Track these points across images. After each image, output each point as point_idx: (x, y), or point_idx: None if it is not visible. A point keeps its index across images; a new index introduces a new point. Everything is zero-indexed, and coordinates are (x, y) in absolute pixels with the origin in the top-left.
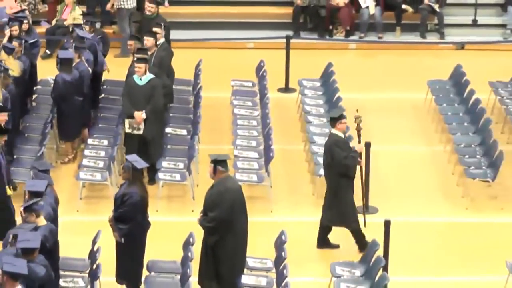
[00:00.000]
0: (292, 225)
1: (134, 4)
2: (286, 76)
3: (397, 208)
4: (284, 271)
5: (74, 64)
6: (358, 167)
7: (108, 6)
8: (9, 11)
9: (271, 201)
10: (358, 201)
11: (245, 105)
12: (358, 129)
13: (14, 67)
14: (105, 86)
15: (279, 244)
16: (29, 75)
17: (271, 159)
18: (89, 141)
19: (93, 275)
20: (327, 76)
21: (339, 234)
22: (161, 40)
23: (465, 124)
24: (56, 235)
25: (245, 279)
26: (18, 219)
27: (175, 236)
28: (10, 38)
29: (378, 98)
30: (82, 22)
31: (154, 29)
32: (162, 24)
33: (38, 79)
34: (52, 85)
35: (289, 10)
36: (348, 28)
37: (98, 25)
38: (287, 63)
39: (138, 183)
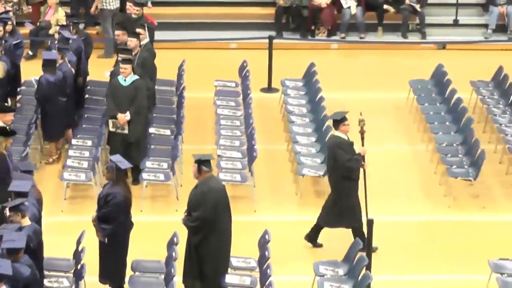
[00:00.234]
0: (275, 225)
1: (117, 5)
2: (269, 76)
3: (380, 207)
4: (268, 271)
5: (57, 65)
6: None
7: (92, 9)
8: None
9: (255, 201)
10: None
11: (228, 105)
12: (362, 132)
13: None
14: (89, 87)
15: (263, 243)
16: (13, 76)
17: (254, 158)
18: (73, 141)
19: (78, 275)
20: (309, 76)
21: (323, 233)
22: (145, 40)
23: (447, 123)
24: (40, 235)
25: (229, 278)
26: None
27: (159, 236)
28: None
29: (360, 98)
30: (65, 23)
31: (138, 30)
32: (145, 25)
33: (22, 80)
34: (35, 86)
35: (271, 10)
36: (330, 28)
37: (81, 26)
38: (269, 63)
39: (121, 184)
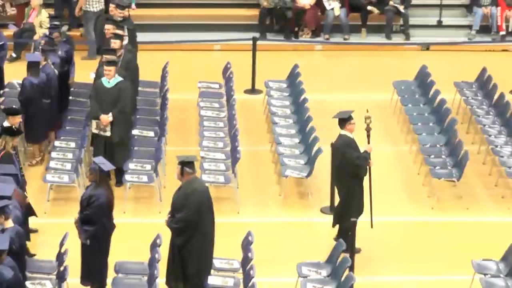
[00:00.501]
0: (259, 226)
1: (101, 7)
2: (253, 78)
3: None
4: (251, 272)
5: (41, 67)
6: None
7: (76, 11)
8: None
9: (238, 202)
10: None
11: (211, 107)
12: (368, 130)
13: None
14: (72, 89)
15: (246, 244)
16: None
17: (237, 160)
18: (56, 143)
19: (61, 277)
20: (293, 78)
21: (303, 234)
22: (125, 41)
23: (431, 124)
24: (23, 237)
25: (212, 279)
26: None
27: (142, 238)
28: None
29: (344, 99)
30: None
31: (116, 31)
32: (124, 27)
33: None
34: (19, 88)
35: (255, 12)
36: (314, 29)
37: (65, 28)
38: (253, 64)
39: (104, 185)
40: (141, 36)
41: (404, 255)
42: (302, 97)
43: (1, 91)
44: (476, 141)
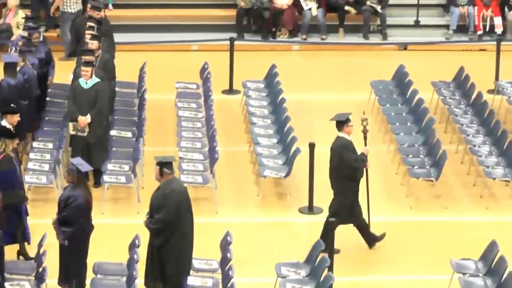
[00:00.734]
0: (237, 226)
1: (79, 8)
2: (230, 78)
3: None
4: (230, 272)
5: (18, 68)
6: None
7: (52, 10)
8: None
9: (216, 202)
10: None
11: (189, 107)
12: (365, 131)
13: None
14: (50, 90)
15: (225, 245)
16: None
17: (216, 160)
18: (34, 144)
19: (39, 278)
20: (271, 78)
21: (282, 234)
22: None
23: (409, 124)
24: (1, 239)
25: (191, 280)
26: None
27: (120, 238)
28: None
29: (321, 99)
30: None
31: (87, 32)
32: (94, 26)
33: None
34: None
35: (232, 12)
36: (291, 29)
37: (42, 29)
38: (231, 65)
39: (82, 186)
40: (118, 37)
41: (383, 255)
42: (280, 97)
43: None
44: (454, 140)
